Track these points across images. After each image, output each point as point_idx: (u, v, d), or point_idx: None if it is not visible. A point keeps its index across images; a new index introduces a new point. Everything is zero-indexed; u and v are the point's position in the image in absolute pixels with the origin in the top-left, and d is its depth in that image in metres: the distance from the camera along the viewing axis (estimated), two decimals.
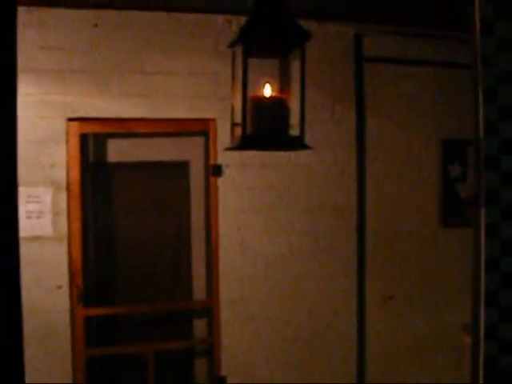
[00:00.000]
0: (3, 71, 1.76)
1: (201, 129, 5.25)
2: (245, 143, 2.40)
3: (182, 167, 5.46)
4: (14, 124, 1.78)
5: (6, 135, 1.76)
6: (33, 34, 4.85)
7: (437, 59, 5.80)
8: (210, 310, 5.40)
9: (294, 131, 2.52)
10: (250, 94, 2.43)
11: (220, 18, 5.20)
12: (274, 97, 2.49)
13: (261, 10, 2.44)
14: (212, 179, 5.24)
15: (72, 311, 4.98)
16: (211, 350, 5.39)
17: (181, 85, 5.16)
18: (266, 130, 2.45)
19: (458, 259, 5.77)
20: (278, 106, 2.49)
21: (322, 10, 5.23)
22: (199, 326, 5.59)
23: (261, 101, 2.45)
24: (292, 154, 5.03)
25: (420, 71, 5.80)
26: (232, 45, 2.54)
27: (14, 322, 1.78)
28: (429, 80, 5.83)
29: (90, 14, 4.98)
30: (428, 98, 5.83)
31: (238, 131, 2.46)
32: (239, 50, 2.46)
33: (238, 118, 2.46)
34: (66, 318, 4.96)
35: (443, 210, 5.84)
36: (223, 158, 5.17)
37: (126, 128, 5.10)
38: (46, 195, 4.87)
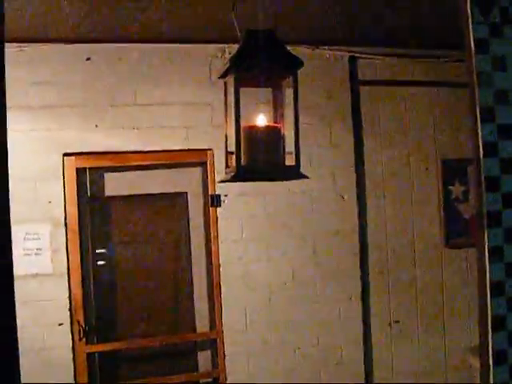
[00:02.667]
0: None
1: (197, 159, 5.21)
2: (239, 175, 2.35)
3: (180, 198, 5.41)
4: (4, 159, 1.74)
5: None
6: (25, 70, 4.83)
7: (435, 79, 5.77)
8: (213, 342, 5.33)
9: (290, 160, 2.48)
10: (244, 123, 2.39)
11: (212, 48, 5.17)
12: (268, 126, 2.45)
13: (251, 39, 2.41)
14: (211, 209, 5.19)
15: (74, 348, 4.91)
16: (216, 382, 5.31)
17: (175, 116, 5.13)
18: (260, 160, 2.40)
19: (463, 280, 5.72)
20: (272, 135, 2.45)
21: (315, 34, 5.22)
22: (203, 359, 5.51)
23: (255, 130, 2.41)
24: (291, 181, 4.98)
25: (418, 92, 5.78)
26: (223, 75, 2.51)
27: (10, 363, 1.74)
28: (427, 100, 5.80)
29: (82, 48, 4.97)
30: (427, 119, 5.79)
31: (233, 162, 2.42)
32: (231, 80, 2.42)
33: (232, 149, 2.41)
34: (68, 355, 4.89)
35: (446, 231, 5.78)
36: (221, 187, 5.12)
37: (121, 161, 5.07)
38: (45, 232, 4.82)
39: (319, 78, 5.45)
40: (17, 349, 1.75)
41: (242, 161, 2.35)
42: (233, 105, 2.38)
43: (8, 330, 1.73)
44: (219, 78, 2.55)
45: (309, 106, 5.33)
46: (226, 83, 2.53)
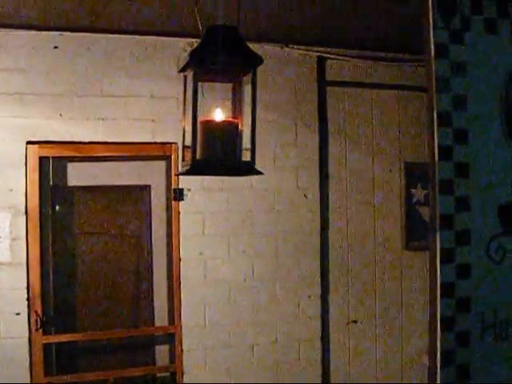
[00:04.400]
0: None
1: (162, 152, 5.19)
2: (194, 168, 2.36)
3: (143, 191, 5.41)
4: None
5: None
6: None
7: (400, 82, 5.82)
8: (171, 337, 5.33)
9: (247, 156, 2.49)
10: (202, 118, 2.40)
11: (182, 42, 5.16)
12: (225, 121, 2.46)
13: (211, 35, 2.42)
14: (173, 203, 5.18)
15: (30, 338, 4.88)
16: (173, 377, 5.31)
17: (142, 108, 5.12)
18: (216, 154, 2.41)
19: (422, 283, 5.77)
20: (229, 130, 2.46)
21: (285, 34, 5.24)
22: (161, 353, 5.51)
23: (212, 125, 2.42)
24: (254, 177, 4.98)
25: (383, 94, 5.82)
26: (183, 69, 2.52)
27: None
28: (392, 103, 5.84)
29: (49, 36, 4.93)
30: (391, 122, 5.84)
31: (189, 156, 2.43)
32: (190, 74, 2.43)
33: (189, 143, 2.42)
34: (25, 345, 4.85)
35: (406, 234, 5.83)
36: (185, 182, 5.12)
37: (86, 151, 5.04)
38: (4, 220, 4.78)
39: (287, 76, 5.47)
40: None
41: (198, 155, 2.36)
42: (191, 98, 2.39)
43: None
44: (179, 71, 2.56)
45: (275, 104, 5.36)
46: (185, 77, 2.54)
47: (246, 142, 2.51)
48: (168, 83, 5.13)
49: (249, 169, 2.46)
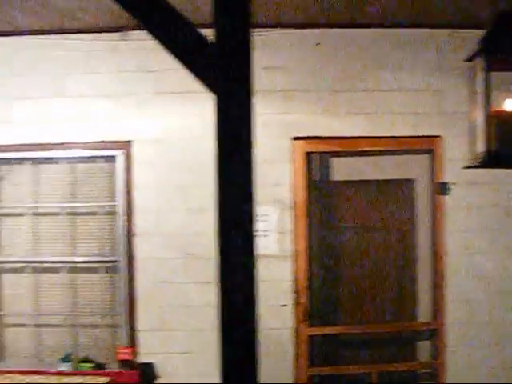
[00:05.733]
0: (241, 89, 1.82)
1: (425, 146, 5.13)
2: (489, 161, 2.28)
3: (406, 185, 5.35)
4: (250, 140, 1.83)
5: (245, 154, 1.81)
6: (257, 55, 4.92)
7: None
8: (434, 333, 5.24)
9: None
10: (492, 109, 2.32)
11: (442, 32, 5.05)
12: None
13: (503, 21, 2.32)
14: (438, 198, 5.10)
15: (296, 329, 5.00)
16: (436, 374, 5.22)
17: (403, 102, 5.08)
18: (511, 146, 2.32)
19: None
20: None
21: None
22: (423, 349, 5.43)
23: (505, 116, 2.32)
24: None
25: None
26: (470, 58, 2.44)
27: (250, 337, 1.82)
28: None
29: (311, 34, 5.04)
30: None
31: (478, 148, 2.35)
32: (480, 63, 2.35)
33: (478, 135, 2.35)
34: (289, 336, 4.99)
35: None
36: (449, 175, 5.02)
37: (350, 146, 5.09)
38: (272, 214, 4.94)
39: None
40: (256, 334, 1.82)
41: (492, 147, 2.27)
42: (481, 89, 2.31)
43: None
44: (465, 61, 2.49)
45: None
46: (473, 67, 2.46)
47: None
48: (428, 76, 5.07)
49: None
